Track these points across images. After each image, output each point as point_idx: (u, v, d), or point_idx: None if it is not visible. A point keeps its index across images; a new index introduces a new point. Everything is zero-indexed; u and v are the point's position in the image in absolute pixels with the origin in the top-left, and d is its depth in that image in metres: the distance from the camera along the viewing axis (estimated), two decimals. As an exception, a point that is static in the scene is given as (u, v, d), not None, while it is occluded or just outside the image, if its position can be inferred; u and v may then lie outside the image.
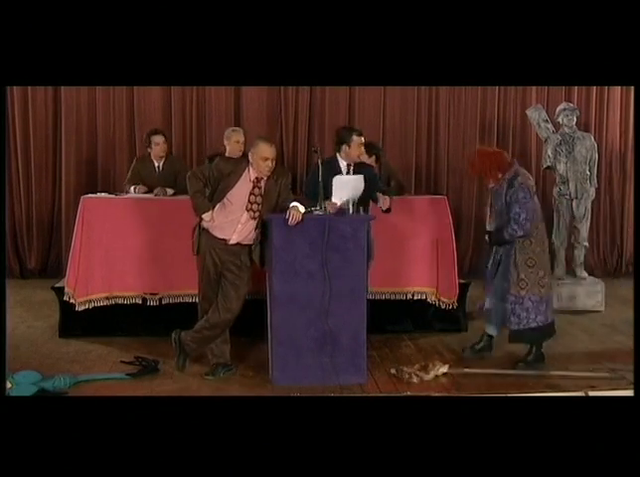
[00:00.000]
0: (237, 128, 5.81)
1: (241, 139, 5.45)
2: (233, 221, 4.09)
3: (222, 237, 4.12)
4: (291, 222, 3.91)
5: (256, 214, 4.08)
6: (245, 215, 4.08)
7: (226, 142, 5.54)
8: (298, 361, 3.99)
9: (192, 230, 4.21)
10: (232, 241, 4.11)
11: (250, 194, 4.07)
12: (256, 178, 4.08)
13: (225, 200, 4.07)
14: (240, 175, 4.09)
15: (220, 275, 4.17)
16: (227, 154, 5.41)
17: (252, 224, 4.11)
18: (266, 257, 4.14)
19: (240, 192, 4.07)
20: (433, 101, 7.79)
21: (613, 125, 8.02)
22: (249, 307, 4.32)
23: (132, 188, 5.55)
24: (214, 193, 4.12)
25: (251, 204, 4.07)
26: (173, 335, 4.25)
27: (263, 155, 4.01)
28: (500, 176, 4.39)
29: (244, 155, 5.03)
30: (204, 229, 4.15)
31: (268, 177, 4.10)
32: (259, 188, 4.09)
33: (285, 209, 4.00)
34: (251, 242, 4.15)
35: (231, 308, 4.13)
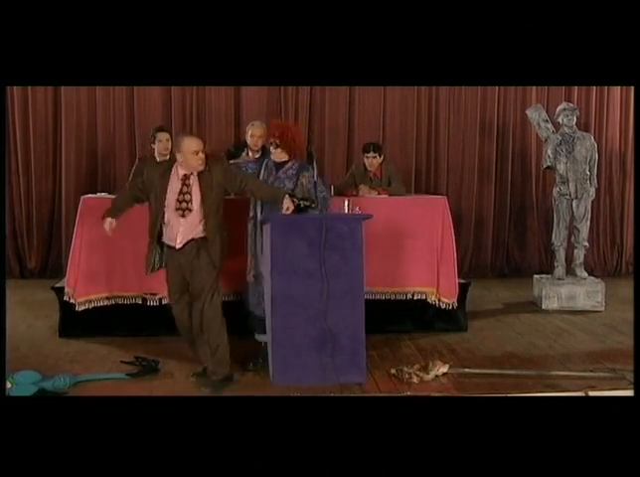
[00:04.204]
0: (261, 122, 5.73)
1: (258, 133, 5.46)
2: (173, 226, 3.94)
3: (169, 243, 3.98)
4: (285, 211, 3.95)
5: (185, 212, 3.90)
6: (178, 216, 3.91)
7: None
8: (298, 361, 3.98)
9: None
10: (178, 246, 3.95)
11: (179, 193, 3.92)
12: (185, 175, 3.93)
13: (164, 207, 3.93)
14: (169, 176, 3.95)
15: (185, 280, 4.01)
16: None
17: (190, 221, 3.91)
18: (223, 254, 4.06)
19: (171, 193, 3.93)
20: (433, 101, 7.81)
21: (613, 125, 8.04)
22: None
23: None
24: (151, 199, 3.99)
25: (180, 203, 3.91)
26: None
27: (192, 149, 3.88)
28: (299, 154, 4.33)
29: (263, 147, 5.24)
30: (160, 241, 4.01)
31: (201, 171, 3.94)
32: (188, 186, 3.92)
33: (251, 192, 4.07)
34: (203, 235, 3.95)
35: (209, 303, 3.93)
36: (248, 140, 5.52)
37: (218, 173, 3.96)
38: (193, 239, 3.93)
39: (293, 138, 4.28)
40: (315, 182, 4.24)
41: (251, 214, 4.33)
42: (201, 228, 3.93)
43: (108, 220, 4.08)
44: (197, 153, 3.88)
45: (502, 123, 7.91)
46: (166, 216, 3.94)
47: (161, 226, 3.96)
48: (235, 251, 4.35)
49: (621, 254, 8.18)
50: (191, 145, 3.89)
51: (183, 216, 3.90)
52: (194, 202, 3.92)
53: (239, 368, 4.27)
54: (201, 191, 3.91)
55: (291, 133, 4.30)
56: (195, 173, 3.93)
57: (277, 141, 4.25)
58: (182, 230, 3.92)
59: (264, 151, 5.31)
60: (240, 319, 4.45)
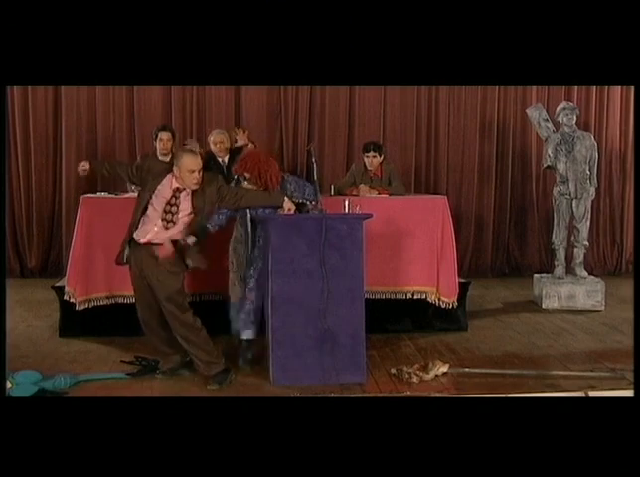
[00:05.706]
0: (219, 130, 6.08)
1: (218, 140, 5.80)
2: (150, 223, 3.95)
3: (137, 237, 3.98)
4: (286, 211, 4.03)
5: (169, 224, 3.92)
6: (160, 222, 3.93)
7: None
8: (298, 360, 3.98)
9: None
10: (142, 241, 3.95)
11: (167, 203, 3.94)
12: (177, 188, 3.95)
13: (150, 203, 3.96)
14: (162, 180, 3.98)
15: (143, 279, 4.01)
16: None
17: (168, 232, 3.92)
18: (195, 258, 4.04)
19: (161, 198, 3.96)
20: (433, 101, 7.80)
21: (613, 125, 8.04)
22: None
23: (135, 186, 5.59)
24: (144, 188, 4.05)
25: (166, 213, 3.93)
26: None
27: (189, 168, 3.89)
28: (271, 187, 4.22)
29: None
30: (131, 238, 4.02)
31: (194, 189, 3.97)
32: (177, 198, 3.94)
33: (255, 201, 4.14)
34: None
35: (181, 309, 3.96)
36: (212, 148, 5.80)
37: (211, 193, 4.00)
38: (155, 244, 3.94)
39: (261, 175, 4.17)
40: (295, 184, 4.30)
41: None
42: (170, 236, 3.94)
43: (84, 163, 4.23)
44: (192, 172, 3.90)
45: (502, 123, 7.90)
46: (148, 211, 3.96)
47: (140, 218, 3.97)
48: (225, 250, 4.37)
49: (621, 254, 8.18)
50: (189, 164, 3.91)
51: (166, 227, 3.93)
52: (179, 216, 3.94)
53: (232, 366, 4.27)
54: (192, 208, 3.96)
55: (262, 170, 4.17)
56: (188, 189, 3.96)
57: (245, 176, 4.21)
58: (156, 230, 3.94)
59: (232, 155, 5.68)
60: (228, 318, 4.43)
